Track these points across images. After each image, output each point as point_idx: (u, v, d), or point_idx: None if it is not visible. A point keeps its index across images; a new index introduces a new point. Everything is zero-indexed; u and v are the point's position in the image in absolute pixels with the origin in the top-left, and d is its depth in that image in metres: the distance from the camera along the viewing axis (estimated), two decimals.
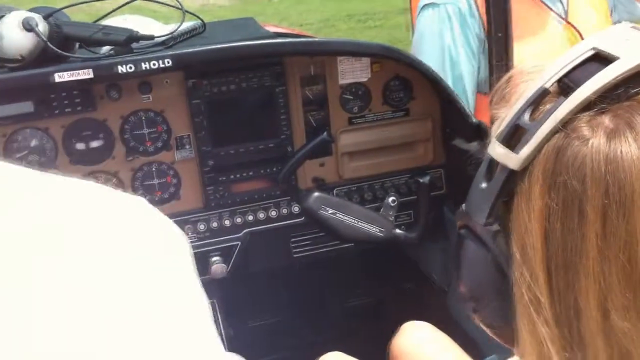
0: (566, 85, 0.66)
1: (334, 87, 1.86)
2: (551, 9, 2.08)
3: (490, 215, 0.70)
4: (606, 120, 0.62)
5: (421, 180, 1.86)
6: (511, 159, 0.66)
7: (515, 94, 0.76)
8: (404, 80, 1.90)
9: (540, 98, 0.67)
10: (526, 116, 0.67)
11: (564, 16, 2.09)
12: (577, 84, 0.64)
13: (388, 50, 1.82)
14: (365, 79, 1.87)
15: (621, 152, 0.60)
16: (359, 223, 1.77)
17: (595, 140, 0.62)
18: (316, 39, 2.10)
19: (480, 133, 1.78)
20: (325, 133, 1.80)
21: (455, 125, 1.90)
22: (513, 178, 0.67)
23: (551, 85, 0.67)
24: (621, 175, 0.60)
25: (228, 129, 1.78)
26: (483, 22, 1.99)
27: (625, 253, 0.60)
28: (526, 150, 0.65)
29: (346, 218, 1.76)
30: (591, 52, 0.66)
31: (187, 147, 1.78)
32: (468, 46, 2.06)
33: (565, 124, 0.64)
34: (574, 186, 0.62)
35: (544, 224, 0.64)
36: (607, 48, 0.65)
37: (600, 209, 0.61)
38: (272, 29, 2.22)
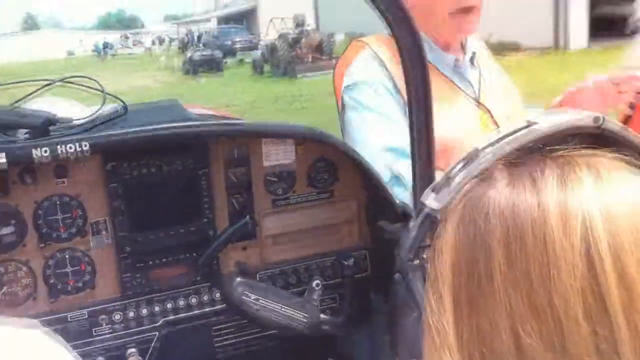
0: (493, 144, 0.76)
1: (258, 169, 1.85)
2: (464, 91, 2.15)
3: (411, 249, 0.78)
4: (515, 170, 0.72)
5: (346, 263, 1.84)
6: (434, 201, 0.75)
7: None
8: (328, 161, 1.90)
9: (472, 155, 0.76)
10: (457, 168, 0.75)
11: (475, 97, 2.16)
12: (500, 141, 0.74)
13: (312, 132, 1.82)
14: (289, 161, 1.86)
15: (519, 200, 0.69)
16: (283, 309, 1.73)
17: (500, 184, 0.71)
18: (239, 122, 2.09)
19: (404, 215, 1.78)
20: (248, 216, 1.77)
21: (379, 207, 1.90)
22: (435, 219, 0.75)
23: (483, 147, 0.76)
24: (519, 220, 0.67)
25: (147, 213, 1.73)
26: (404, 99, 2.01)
27: (527, 281, 0.66)
28: (446, 192, 0.74)
29: (270, 304, 1.72)
30: (525, 123, 0.76)
31: (103, 232, 1.72)
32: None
33: (482, 172, 0.74)
34: (479, 222, 0.70)
35: (453, 255, 0.71)
36: (536, 120, 0.75)
37: (502, 242, 0.68)
38: (196, 111, 2.20)
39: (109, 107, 1.78)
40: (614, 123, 0.75)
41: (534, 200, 0.67)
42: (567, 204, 0.66)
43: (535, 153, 0.73)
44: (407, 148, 1.59)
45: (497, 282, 0.67)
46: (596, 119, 0.74)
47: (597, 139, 0.75)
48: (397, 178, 1.95)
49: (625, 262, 0.64)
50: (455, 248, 0.71)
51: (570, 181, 0.68)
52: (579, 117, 0.74)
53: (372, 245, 1.96)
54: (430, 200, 0.75)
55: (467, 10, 2.03)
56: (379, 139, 2.00)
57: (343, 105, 2.15)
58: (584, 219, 0.65)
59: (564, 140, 0.73)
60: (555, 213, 0.66)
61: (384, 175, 1.90)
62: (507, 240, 0.67)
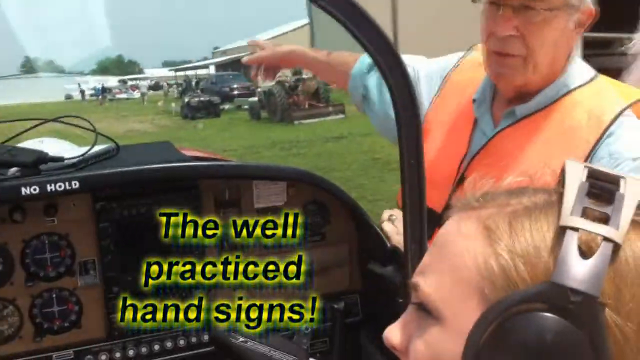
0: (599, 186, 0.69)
1: (249, 211, 1.84)
2: None
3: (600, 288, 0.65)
4: None
5: (336, 306, 1.82)
6: (615, 234, 0.66)
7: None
8: (320, 204, 1.90)
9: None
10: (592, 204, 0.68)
11: None
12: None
13: (303, 174, 1.82)
14: (281, 203, 1.86)
15: None
16: (272, 352, 1.70)
17: None
18: (230, 163, 2.09)
19: (395, 258, 1.77)
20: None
21: (370, 250, 1.89)
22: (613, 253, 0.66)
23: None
24: None
25: (137, 253, 1.71)
26: None
27: None
28: (622, 228, 0.66)
29: (258, 346, 1.69)
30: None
31: (92, 272, 1.70)
32: None
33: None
34: None
35: None
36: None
37: None
38: (189, 153, 2.20)
39: (102, 147, 1.79)
40: None
41: None
42: None
43: None
44: None
45: None
46: None
47: None
48: None
49: None
50: None
51: None
52: None
53: (364, 289, 1.94)
54: (609, 233, 0.66)
55: None
56: None
57: None
58: None
59: None
60: None
61: None
62: None
